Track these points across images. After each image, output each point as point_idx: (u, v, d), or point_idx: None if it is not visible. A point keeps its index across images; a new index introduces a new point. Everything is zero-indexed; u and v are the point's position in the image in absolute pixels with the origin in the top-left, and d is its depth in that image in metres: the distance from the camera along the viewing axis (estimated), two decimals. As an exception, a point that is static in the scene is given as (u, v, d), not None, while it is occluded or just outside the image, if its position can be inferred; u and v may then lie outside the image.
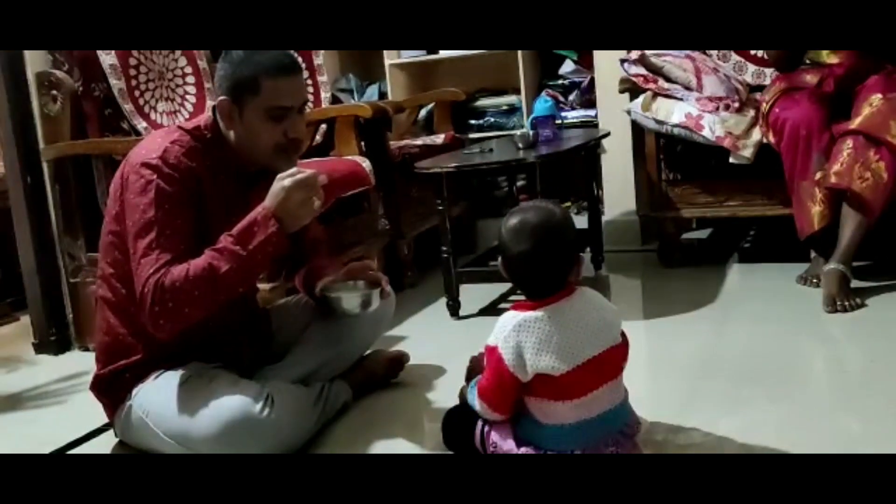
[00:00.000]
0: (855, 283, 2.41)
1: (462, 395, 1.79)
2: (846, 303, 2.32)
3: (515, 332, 1.41)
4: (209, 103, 1.88)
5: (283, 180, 1.64)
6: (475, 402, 1.49)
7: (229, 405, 1.63)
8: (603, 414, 1.44)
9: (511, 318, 1.44)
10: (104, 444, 1.91)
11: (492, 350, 1.44)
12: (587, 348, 1.42)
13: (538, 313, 1.42)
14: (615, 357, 1.47)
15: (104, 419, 1.89)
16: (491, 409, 1.47)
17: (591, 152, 3.06)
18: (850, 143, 2.42)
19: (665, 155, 2.97)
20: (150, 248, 1.62)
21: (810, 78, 2.65)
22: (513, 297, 2.74)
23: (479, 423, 1.53)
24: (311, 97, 3.40)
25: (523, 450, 1.45)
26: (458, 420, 1.60)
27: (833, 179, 2.40)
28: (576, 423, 1.42)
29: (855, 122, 2.43)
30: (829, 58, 2.64)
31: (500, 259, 1.49)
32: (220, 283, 1.61)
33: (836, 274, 2.37)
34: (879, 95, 2.44)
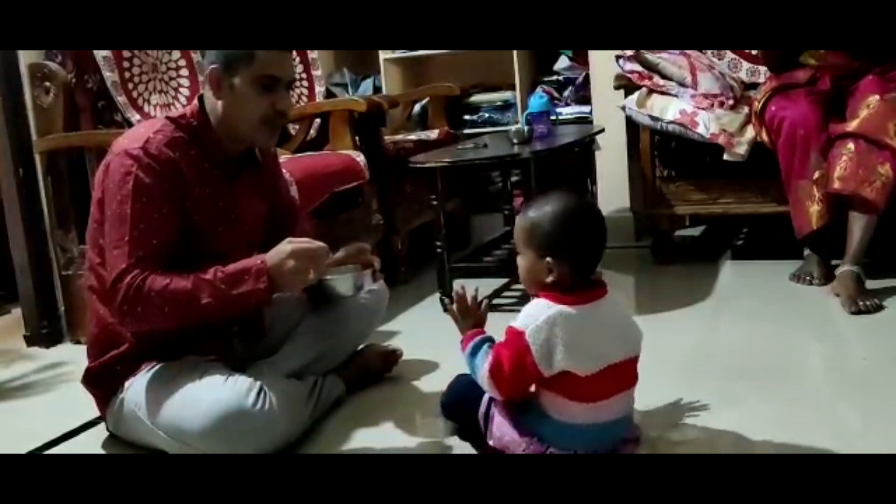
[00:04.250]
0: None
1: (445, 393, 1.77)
2: (867, 303, 2.28)
3: (548, 325, 1.37)
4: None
5: (290, 244, 1.64)
6: (482, 377, 1.43)
7: (222, 399, 1.63)
8: (613, 421, 1.44)
9: (545, 307, 1.39)
10: (95, 438, 1.90)
11: (518, 335, 1.39)
12: (613, 353, 1.41)
13: (573, 310, 1.38)
14: (633, 367, 1.47)
15: (96, 412, 1.88)
16: (498, 390, 1.43)
17: (585, 148, 3.06)
18: (850, 146, 2.41)
19: (659, 152, 2.97)
20: (122, 240, 1.63)
21: (801, 76, 2.65)
22: (506, 294, 2.74)
23: (484, 404, 1.51)
24: (305, 91, 3.40)
25: (524, 441, 1.44)
26: (465, 388, 1.58)
27: (837, 185, 2.40)
28: (585, 425, 1.41)
29: (853, 125, 2.43)
30: (818, 61, 2.64)
31: (540, 243, 1.41)
32: (195, 309, 1.62)
33: (851, 275, 2.36)
34: (877, 97, 2.44)
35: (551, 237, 1.41)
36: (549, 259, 1.40)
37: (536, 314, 1.39)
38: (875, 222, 2.40)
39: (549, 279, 1.42)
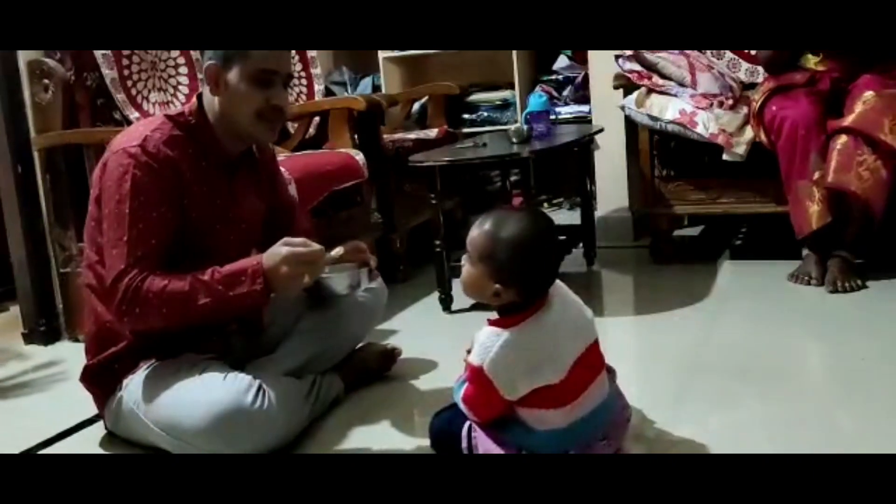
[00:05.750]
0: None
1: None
2: (847, 284, 2.44)
3: (504, 354, 1.36)
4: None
5: (285, 247, 1.63)
6: (460, 403, 1.47)
7: (221, 397, 1.63)
8: (594, 410, 1.43)
9: (495, 336, 1.38)
10: (94, 436, 1.90)
11: (478, 371, 1.39)
12: (573, 347, 1.41)
13: (522, 329, 1.38)
14: (596, 351, 1.47)
15: (94, 410, 1.88)
16: (476, 416, 1.45)
17: (584, 148, 3.06)
18: (844, 139, 2.43)
19: (658, 151, 2.97)
20: (121, 240, 1.63)
21: (800, 77, 2.65)
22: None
23: (465, 428, 1.50)
24: (304, 89, 3.40)
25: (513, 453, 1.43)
26: (444, 424, 1.58)
27: (831, 179, 2.42)
28: (568, 426, 1.41)
29: (848, 120, 2.45)
30: (818, 65, 2.64)
31: (492, 271, 1.40)
32: (192, 310, 1.62)
33: (840, 260, 2.47)
34: (872, 93, 2.46)
35: (505, 266, 1.39)
36: (498, 286, 1.40)
37: (490, 345, 1.38)
38: (867, 215, 2.43)
39: (495, 302, 1.42)
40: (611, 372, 1.53)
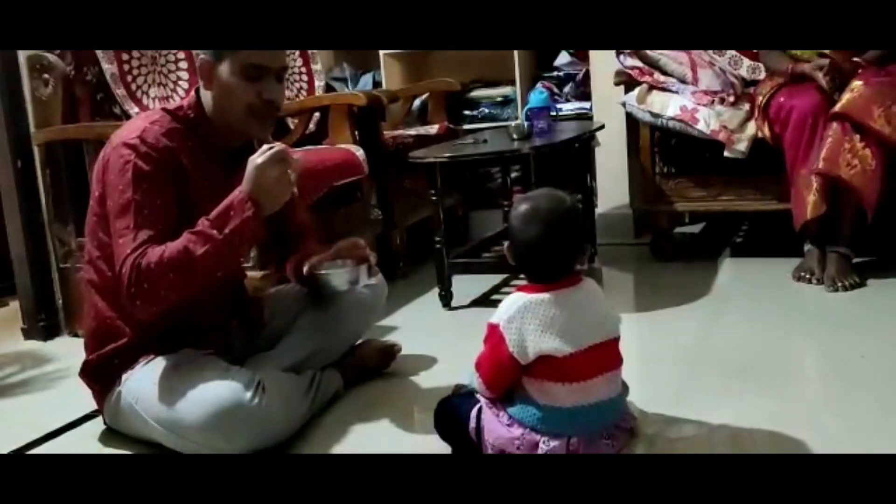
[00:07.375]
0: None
1: (455, 391, 1.78)
2: (845, 282, 2.43)
3: (520, 314, 1.42)
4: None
5: (255, 159, 1.63)
6: (472, 376, 1.51)
7: (220, 393, 1.62)
8: (600, 403, 1.45)
9: (517, 298, 1.44)
10: (93, 431, 1.90)
11: (493, 328, 1.45)
12: (590, 334, 1.44)
13: (544, 296, 1.43)
14: (615, 349, 1.49)
15: (93, 405, 1.88)
16: (485, 384, 1.48)
17: (585, 145, 3.06)
18: (835, 127, 2.44)
19: (659, 148, 2.97)
20: (127, 228, 1.63)
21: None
22: (505, 289, 2.74)
23: (475, 410, 1.52)
24: (304, 85, 3.39)
25: (517, 430, 1.45)
26: (452, 408, 1.59)
27: (821, 165, 2.43)
28: (572, 408, 1.43)
29: (837, 106, 2.45)
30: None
31: (507, 244, 1.50)
32: (195, 266, 1.60)
33: (836, 256, 2.47)
34: (860, 82, 2.46)
35: (514, 255, 1.49)
36: (507, 242, 1.50)
37: (508, 306, 1.44)
38: (860, 208, 2.42)
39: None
40: (625, 387, 1.54)
